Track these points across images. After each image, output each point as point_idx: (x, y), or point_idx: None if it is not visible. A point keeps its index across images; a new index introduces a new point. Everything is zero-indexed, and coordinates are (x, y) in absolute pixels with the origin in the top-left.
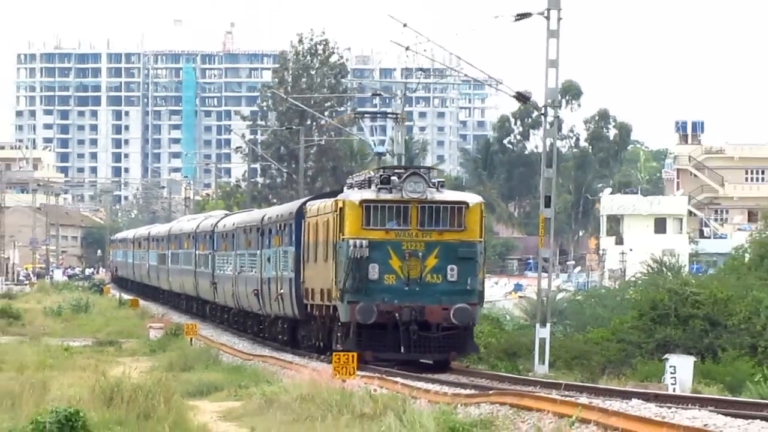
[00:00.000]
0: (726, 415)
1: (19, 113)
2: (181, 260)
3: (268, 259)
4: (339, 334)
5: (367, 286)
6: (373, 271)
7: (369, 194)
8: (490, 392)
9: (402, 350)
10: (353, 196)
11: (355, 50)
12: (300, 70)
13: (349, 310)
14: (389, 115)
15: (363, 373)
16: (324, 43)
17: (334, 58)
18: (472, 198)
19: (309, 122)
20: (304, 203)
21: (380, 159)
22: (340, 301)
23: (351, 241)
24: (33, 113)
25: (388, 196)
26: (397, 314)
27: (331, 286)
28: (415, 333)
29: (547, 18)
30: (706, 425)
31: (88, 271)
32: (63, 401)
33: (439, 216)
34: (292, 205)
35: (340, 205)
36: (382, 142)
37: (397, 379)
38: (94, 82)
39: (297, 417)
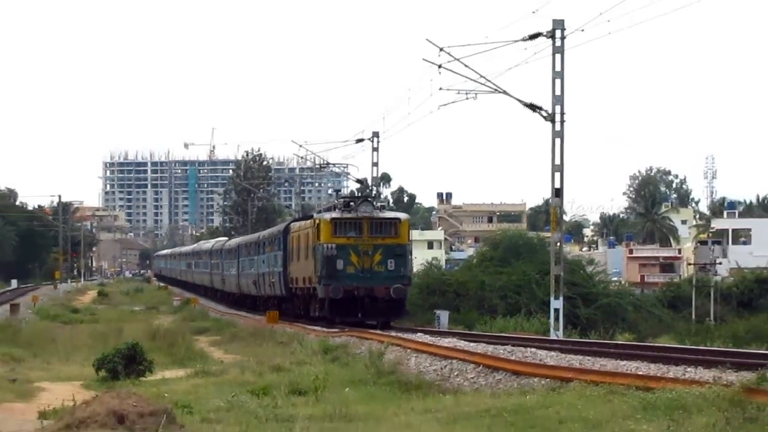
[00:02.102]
0: (466, 340)
1: (106, 192)
2: (201, 266)
3: (263, 261)
4: (317, 305)
5: (335, 274)
6: (339, 264)
7: (336, 214)
8: (345, 329)
9: (359, 315)
10: (326, 215)
11: (276, 157)
12: (247, 169)
13: (324, 289)
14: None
15: (282, 322)
16: (259, 156)
17: (264, 164)
18: (403, 215)
19: (252, 196)
20: (288, 224)
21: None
22: (318, 284)
23: (325, 245)
24: (113, 193)
25: (349, 215)
26: (355, 292)
27: (311, 274)
28: (367, 304)
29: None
30: (456, 345)
31: (142, 272)
32: (130, 338)
33: (381, 227)
34: (281, 226)
35: (317, 222)
36: (289, 206)
37: (299, 323)
38: (144, 176)
39: (248, 343)
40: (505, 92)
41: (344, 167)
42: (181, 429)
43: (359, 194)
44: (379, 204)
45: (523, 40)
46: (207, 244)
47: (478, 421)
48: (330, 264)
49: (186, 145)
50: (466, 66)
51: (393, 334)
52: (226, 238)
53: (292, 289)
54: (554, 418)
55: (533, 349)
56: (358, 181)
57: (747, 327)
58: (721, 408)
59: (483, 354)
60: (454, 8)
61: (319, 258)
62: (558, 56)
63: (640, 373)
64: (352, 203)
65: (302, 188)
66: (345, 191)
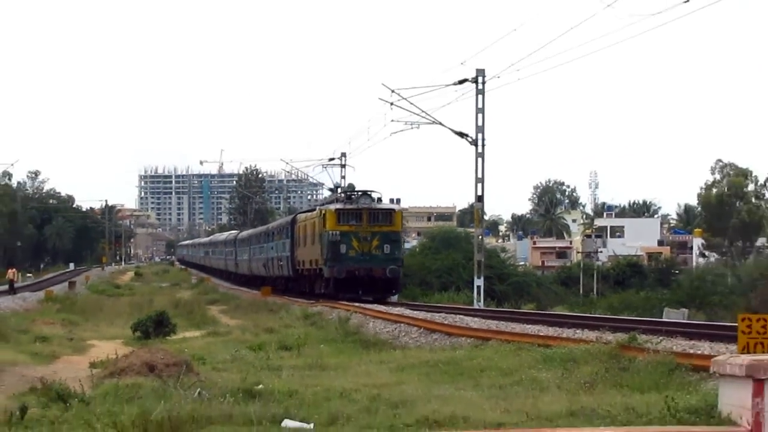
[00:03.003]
0: (411, 309)
1: (141, 198)
2: (217, 253)
3: (272, 248)
4: (322, 284)
5: (339, 257)
6: (343, 248)
7: (340, 205)
8: (320, 300)
9: (359, 292)
10: (331, 207)
11: (269, 171)
12: (247, 181)
13: (329, 270)
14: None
15: (281, 297)
16: (256, 171)
17: (259, 176)
18: (397, 207)
19: (250, 201)
20: (295, 216)
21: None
22: (324, 265)
23: (330, 232)
24: (146, 198)
25: (350, 206)
26: (356, 272)
27: (318, 257)
28: (367, 282)
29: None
30: (403, 313)
31: (168, 258)
32: (158, 307)
33: (378, 217)
34: (288, 218)
35: (324, 212)
36: (278, 208)
37: (285, 297)
38: (169, 186)
39: (247, 311)
40: (440, 123)
41: (319, 181)
42: (197, 375)
43: (348, 193)
44: (376, 197)
45: (454, 84)
46: (221, 236)
47: (420, 369)
48: (334, 248)
49: (201, 162)
50: (411, 103)
51: (356, 305)
52: (238, 231)
53: (298, 270)
54: (477, 368)
55: (461, 316)
56: (330, 189)
57: (620, 300)
58: (602, 360)
59: (423, 319)
60: (403, 58)
61: (325, 243)
62: (480, 96)
63: (541, 333)
64: (353, 196)
65: (288, 195)
66: (321, 197)
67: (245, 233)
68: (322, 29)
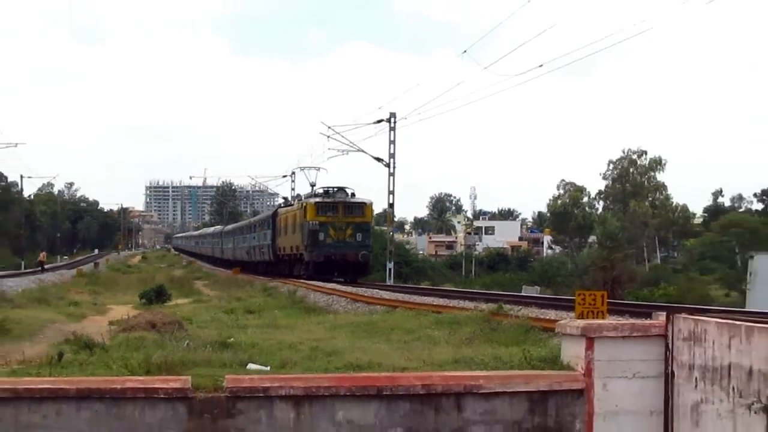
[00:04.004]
0: (341, 285)
1: (147, 203)
2: (205, 243)
3: (254, 238)
4: (302, 267)
5: (318, 243)
6: (321, 236)
7: (319, 199)
8: (280, 280)
9: (335, 274)
10: (311, 200)
11: (239, 184)
12: (223, 192)
13: (309, 255)
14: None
15: (254, 276)
16: (230, 184)
17: (232, 188)
18: (368, 200)
19: (225, 206)
20: (276, 210)
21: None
22: (304, 251)
23: (310, 222)
24: (151, 203)
25: (328, 200)
26: (332, 257)
27: (299, 244)
28: (341, 266)
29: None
30: (335, 288)
31: (166, 246)
32: (159, 282)
33: (352, 209)
34: (269, 212)
35: (305, 204)
36: (246, 211)
37: (250, 275)
38: (167, 194)
39: (222, 285)
40: (363, 151)
41: (275, 192)
42: (186, 331)
43: (326, 188)
44: (350, 192)
45: (374, 123)
46: (209, 230)
47: (347, 328)
48: (314, 236)
49: (190, 177)
50: (342, 136)
51: (302, 281)
52: (222, 226)
53: (279, 256)
54: (388, 327)
55: (377, 290)
56: (284, 198)
57: (491, 279)
58: (478, 323)
59: (349, 292)
60: (338, 103)
61: (306, 232)
62: (392, 132)
63: (435, 303)
64: (330, 191)
65: (253, 201)
66: (278, 201)
67: (229, 227)
68: (284, 84)
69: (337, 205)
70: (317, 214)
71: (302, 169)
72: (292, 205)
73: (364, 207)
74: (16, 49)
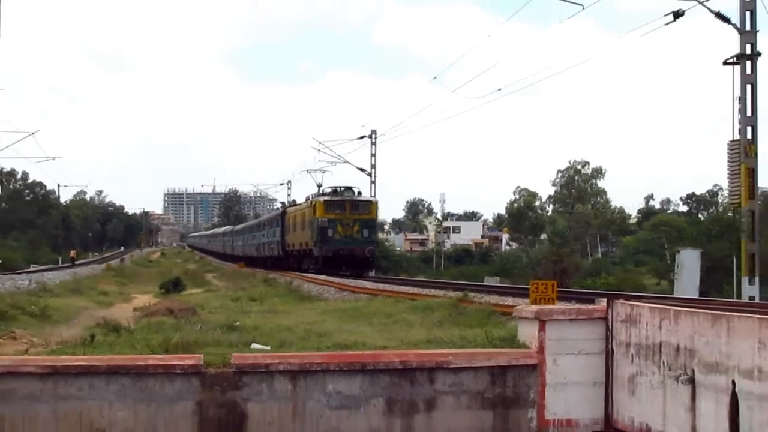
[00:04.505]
0: (331, 277)
1: (165, 207)
2: (216, 241)
3: (263, 235)
4: (312, 261)
5: (327, 239)
6: (330, 233)
7: (327, 197)
8: (276, 271)
9: (343, 268)
10: (320, 198)
11: (243, 191)
12: (229, 198)
13: (318, 250)
14: None
15: (262, 270)
16: (235, 191)
17: (237, 195)
18: (374, 199)
19: (231, 210)
20: (285, 210)
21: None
22: (314, 246)
23: (320, 219)
24: (169, 207)
25: (336, 198)
26: (340, 252)
27: (308, 240)
28: (348, 260)
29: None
30: (326, 279)
31: (182, 244)
32: (175, 274)
33: (358, 207)
34: (278, 212)
35: (314, 203)
36: (249, 214)
37: (255, 268)
38: (182, 200)
39: (229, 277)
40: (349, 162)
41: (275, 197)
42: (198, 316)
43: (334, 187)
44: (356, 191)
45: (358, 138)
46: (220, 230)
47: (335, 313)
48: (323, 232)
49: (202, 185)
50: (331, 150)
51: (297, 273)
52: (231, 227)
53: (288, 251)
54: (370, 312)
55: (361, 281)
56: (281, 202)
57: (458, 271)
58: (447, 308)
59: (337, 282)
60: (329, 121)
61: (315, 228)
62: (373, 146)
63: (410, 291)
64: (338, 190)
65: (255, 206)
66: (276, 205)
67: (238, 227)
68: (282, 105)
69: (344, 203)
70: (326, 211)
71: (309, 171)
72: (295, 205)
73: (370, 205)
74: (56, 76)
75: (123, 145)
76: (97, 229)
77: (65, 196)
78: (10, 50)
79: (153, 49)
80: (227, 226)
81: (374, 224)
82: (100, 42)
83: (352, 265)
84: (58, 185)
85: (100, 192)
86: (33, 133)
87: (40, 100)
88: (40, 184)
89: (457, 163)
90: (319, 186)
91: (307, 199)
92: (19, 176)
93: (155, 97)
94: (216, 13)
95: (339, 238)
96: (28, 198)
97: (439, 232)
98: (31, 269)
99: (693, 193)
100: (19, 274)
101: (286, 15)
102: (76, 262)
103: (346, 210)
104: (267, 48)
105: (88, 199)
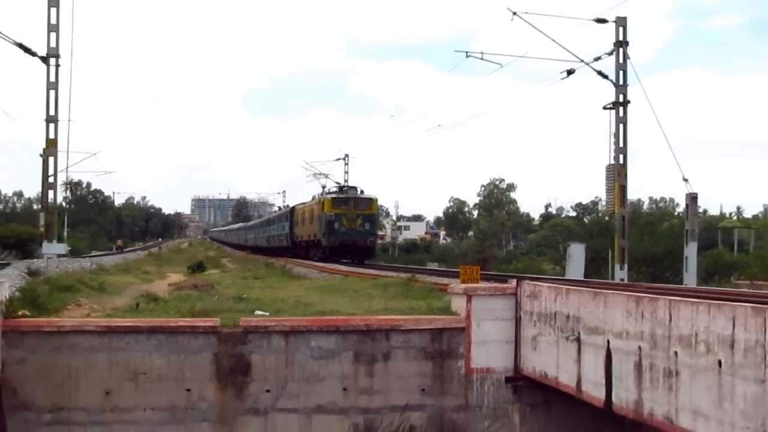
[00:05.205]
0: (316, 263)
1: (192, 210)
2: (232, 235)
3: (273, 229)
4: (320, 251)
5: (334, 231)
6: (336, 225)
7: (334, 195)
8: (275, 257)
9: (347, 256)
10: (328, 196)
11: (250, 198)
12: (240, 202)
13: (326, 240)
14: None
15: (253, 255)
16: (244, 198)
17: (246, 200)
18: (375, 196)
19: (241, 212)
20: (293, 208)
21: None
22: (322, 238)
23: (328, 213)
24: (195, 210)
25: (342, 195)
26: (346, 242)
27: (316, 232)
28: (352, 249)
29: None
30: (311, 264)
31: (204, 237)
32: (198, 259)
33: (361, 203)
34: (287, 209)
35: (322, 199)
36: (254, 215)
37: (259, 255)
38: (205, 203)
39: (239, 262)
40: (329, 177)
41: (273, 203)
42: (216, 290)
43: (340, 186)
44: (360, 190)
45: (335, 160)
46: (234, 226)
47: (317, 289)
48: (330, 225)
49: (219, 193)
50: (315, 169)
51: (289, 258)
52: (244, 223)
53: (296, 242)
54: (343, 288)
55: (337, 265)
56: (278, 207)
57: (408, 259)
58: (400, 285)
59: (319, 266)
60: (314, 146)
61: (323, 222)
62: (346, 166)
63: (372, 273)
64: (343, 188)
65: (258, 209)
66: (275, 209)
67: (250, 223)
68: (280, 134)
69: (349, 200)
70: (333, 207)
71: (315, 175)
72: (327, 194)
73: (371, 201)
74: (114, 110)
75: (162, 163)
76: (141, 225)
77: (118, 201)
78: (78, 87)
79: (188, 92)
80: (240, 223)
81: (375, 218)
82: (148, 84)
83: (355, 253)
84: (113, 192)
85: (144, 197)
86: (95, 154)
87: (102, 128)
88: (100, 192)
89: (408, 178)
90: (323, 187)
91: (313, 198)
92: (84, 186)
93: (188, 127)
94: (237, 68)
95: (344, 230)
96: (91, 202)
97: (394, 230)
98: (92, 254)
99: (580, 203)
100: (83, 258)
101: (285, 70)
102: (125, 250)
103: (350, 206)
104: (270, 92)
105: (135, 202)
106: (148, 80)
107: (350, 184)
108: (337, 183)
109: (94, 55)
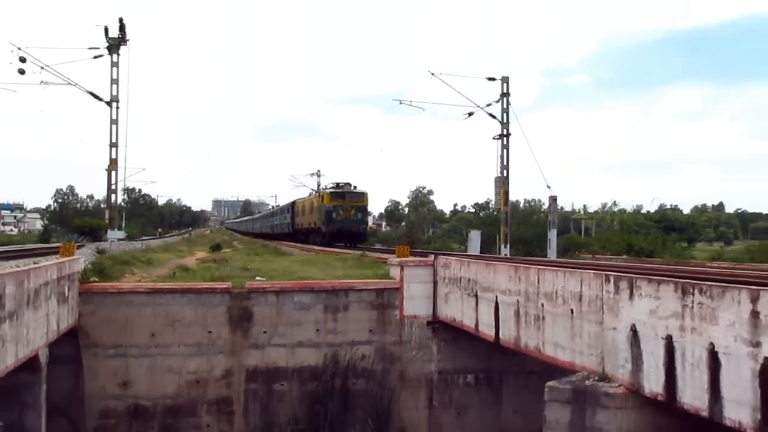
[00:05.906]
0: (299, 244)
1: (212, 207)
2: (243, 225)
3: (276, 219)
4: (320, 237)
5: (332, 220)
6: (334, 215)
7: (332, 190)
8: (276, 240)
9: (344, 241)
10: (327, 191)
11: (253, 199)
12: (245, 203)
13: (325, 227)
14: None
15: (264, 240)
16: (248, 200)
17: (248, 201)
18: (366, 191)
19: (246, 209)
20: (294, 201)
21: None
22: (322, 226)
23: (327, 205)
24: (215, 208)
25: (339, 190)
26: (342, 229)
27: (317, 221)
28: (348, 235)
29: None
30: (294, 245)
31: (222, 227)
32: (216, 242)
33: (354, 197)
34: (289, 204)
35: (322, 194)
36: (260, 212)
37: (261, 240)
38: (221, 203)
39: (246, 244)
40: (306, 186)
41: (267, 203)
42: (228, 262)
43: (338, 183)
44: (353, 186)
45: (310, 175)
46: (244, 218)
47: (299, 262)
48: (329, 215)
49: (231, 195)
50: (299, 180)
51: (282, 242)
52: (252, 215)
53: (296, 230)
54: (316, 261)
55: (312, 246)
56: (272, 206)
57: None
58: (356, 258)
59: (300, 246)
60: (299, 163)
61: (323, 212)
62: (319, 179)
63: (336, 251)
64: (339, 184)
65: (257, 208)
66: (270, 207)
67: (257, 215)
68: (275, 156)
69: (344, 194)
70: (331, 200)
71: (312, 175)
72: (326, 189)
73: (362, 195)
74: (160, 134)
75: (192, 173)
76: (177, 219)
77: (161, 201)
78: (133, 122)
79: (213, 126)
80: (247, 216)
81: (365, 209)
82: (181, 120)
83: (350, 238)
84: (157, 195)
85: (179, 198)
86: (144, 169)
87: (150, 147)
88: (148, 195)
89: (361, 187)
90: (318, 185)
91: (311, 193)
92: (136, 191)
93: (213, 149)
94: (249, 107)
95: (340, 219)
96: (141, 202)
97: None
98: (142, 239)
99: (477, 202)
100: (136, 241)
101: (275, 114)
102: (164, 236)
103: (345, 199)
104: (267, 126)
105: (173, 202)
106: (182, 118)
107: (321, 187)
108: (313, 189)
109: (147, 97)
